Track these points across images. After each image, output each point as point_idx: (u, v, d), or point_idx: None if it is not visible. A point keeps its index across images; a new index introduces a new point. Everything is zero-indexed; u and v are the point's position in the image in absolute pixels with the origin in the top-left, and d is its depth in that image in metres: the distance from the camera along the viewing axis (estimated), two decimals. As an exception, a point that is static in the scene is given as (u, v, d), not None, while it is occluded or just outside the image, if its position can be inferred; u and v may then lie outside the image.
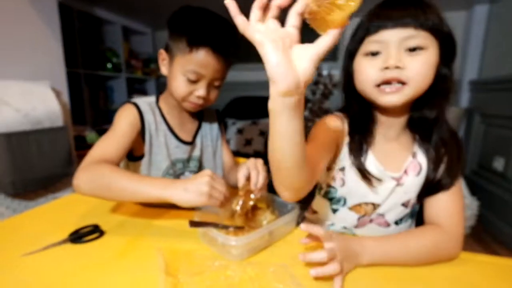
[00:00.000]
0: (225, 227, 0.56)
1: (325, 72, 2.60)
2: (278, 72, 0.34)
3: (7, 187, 1.22)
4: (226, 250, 0.51)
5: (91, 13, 2.37)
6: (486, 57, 2.19)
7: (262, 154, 2.36)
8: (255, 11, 0.35)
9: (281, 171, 0.44)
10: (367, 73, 0.53)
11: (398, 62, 0.49)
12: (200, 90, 0.68)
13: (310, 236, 0.51)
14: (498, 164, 1.87)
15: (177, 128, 0.78)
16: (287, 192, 0.47)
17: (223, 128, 0.90)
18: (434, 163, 0.57)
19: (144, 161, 0.73)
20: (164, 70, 0.73)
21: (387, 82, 0.52)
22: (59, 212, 0.71)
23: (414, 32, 0.49)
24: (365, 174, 0.59)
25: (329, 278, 0.45)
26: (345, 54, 0.60)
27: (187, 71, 0.66)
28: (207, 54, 0.65)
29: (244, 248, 0.51)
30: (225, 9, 0.37)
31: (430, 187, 0.57)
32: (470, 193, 1.80)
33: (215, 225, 0.54)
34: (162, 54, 0.72)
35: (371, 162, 0.60)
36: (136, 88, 3.13)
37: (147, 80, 3.20)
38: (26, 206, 1.23)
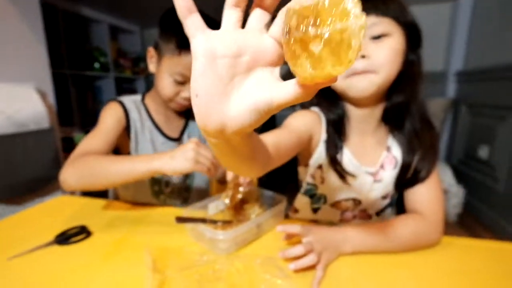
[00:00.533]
0: (213, 222, 0.56)
1: None
2: (196, 103, 0.21)
3: (-7, 191, 1.20)
4: (214, 244, 0.52)
5: (77, 12, 2.32)
6: (471, 48, 2.22)
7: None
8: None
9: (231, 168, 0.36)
10: None
11: (363, 51, 0.50)
12: (186, 92, 0.69)
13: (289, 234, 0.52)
14: (483, 152, 1.91)
15: (163, 125, 0.78)
16: (248, 175, 0.51)
17: None
18: (407, 153, 0.58)
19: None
20: (152, 67, 0.73)
21: (355, 73, 0.52)
22: (46, 215, 0.70)
23: (376, 19, 0.50)
24: (341, 173, 0.59)
25: (314, 268, 0.46)
26: None
27: (174, 73, 0.67)
28: None
29: (232, 241, 0.52)
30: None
31: (407, 178, 0.58)
32: (457, 182, 1.84)
33: (202, 220, 0.55)
34: (151, 52, 0.72)
35: (347, 158, 0.60)
36: (125, 88, 3.09)
37: (136, 79, 3.16)
38: (12, 211, 1.20)
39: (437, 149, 0.58)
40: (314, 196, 0.67)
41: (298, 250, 0.47)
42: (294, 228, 0.48)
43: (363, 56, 0.50)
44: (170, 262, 0.48)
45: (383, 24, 0.50)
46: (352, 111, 0.59)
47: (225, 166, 0.35)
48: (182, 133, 0.81)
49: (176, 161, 0.54)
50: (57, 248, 0.54)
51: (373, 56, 0.50)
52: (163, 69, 0.68)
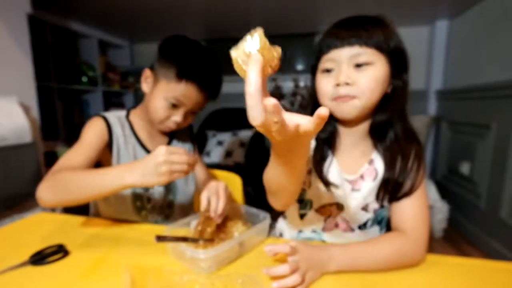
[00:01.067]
0: (195, 240, 0.56)
1: (302, 84, 2.68)
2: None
3: (-32, 208, 1.15)
4: (195, 263, 0.51)
5: (66, 26, 2.33)
6: (449, 68, 2.35)
7: (243, 165, 2.36)
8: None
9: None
10: (324, 88, 0.58)
11: (347, 79, 0.54)
12: (177, 117, 0.70)
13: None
14: (465, 168, 1.98)
15: (147, 141, 0.78)
16: (279, 206, 0.58)
17: (196, 144, 0.90)
18: (388, 167, 0.60)
19: None
20: (145, 88, 0.73)
21: (340, 97, 0.56)
22: (22, 233, 0.67)
23: (360, 50, 0.54)
24: (325, 182, 0.62)
25: None
26: (309, 70, 0.64)
27: (170, 97, 0.68)
28: (193, 88, 0.68)
29: (213, 260, 0.51)
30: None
31: (390, 191, 0.60)
32: (441, 197, 1.89)
33: (183, 239, 0.54)
34: (147, 73, 0.73)
35: (334, 167, 0.63)
36: (113, 102, 3.07)
37: (124, 93, 3.15)
38: (-12, 228, 1.15)
39: (421, 165, 0.59)
40: (302, 202, 0.69)
41: (283, 269, 0.46)
42: (282, 247, 0.48)
43: (347, 83, 0.54)
44: (149, 282, 0.47)
45: (366, 54, 0.53)
46: (340, 127, 0.64)
47: (275, 176, 0.47)
48: None
49: (149, 178, 0.52)
50: (31, 269, 0.52)
51: (356, 83, 0.54)
52: (158, 92, 0.69)
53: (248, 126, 2.81)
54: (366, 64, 0.54)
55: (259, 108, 0.29)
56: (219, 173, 1.01)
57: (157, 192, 0.78)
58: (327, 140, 0.63)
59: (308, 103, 0.67)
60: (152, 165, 0.52)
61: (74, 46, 2.63)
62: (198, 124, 2.81)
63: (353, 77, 0.54)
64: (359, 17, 0.57)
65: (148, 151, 0.76)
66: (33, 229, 0.69)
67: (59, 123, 2.33)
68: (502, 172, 1.58)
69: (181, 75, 0.66)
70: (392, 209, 0.61)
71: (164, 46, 0.71)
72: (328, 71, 0.57)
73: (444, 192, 2.03)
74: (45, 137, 1.75)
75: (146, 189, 0.77)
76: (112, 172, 0.55)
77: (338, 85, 0.55)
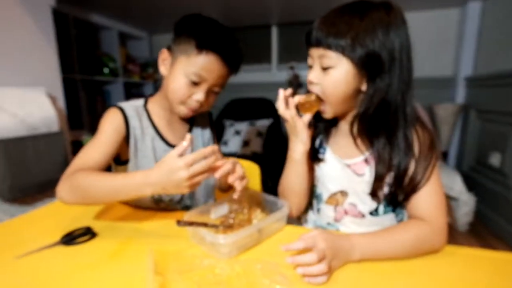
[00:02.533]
0: (215, 226, 0.57)
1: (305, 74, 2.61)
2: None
3: (5, 192, 1.23)
4: (215, 248, 0.52)
5: (87, 19, 2.39)
6: (480, 54, 2.19)
7: (260, 155, 2.37)
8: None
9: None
10: (308, 83, 0.61)
11: (314, 79, 0.58)
12: (199, 94, 0.68)
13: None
14: (495, 159, 1.87)
15: (166, 131, 0.76)
16: (295, 211, 0.70)
17: (215, 131, 0.89)
18: (379, 162, 0.58)
19: (130, 166, 0.73)
20: (163, 70, 0.72)
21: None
22: (52, 216, 0.71)
23: (324, 52, 0.55)
24: (315, 155, 0.68)
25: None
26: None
27: (190, 73, 0.66)
28: (215, 59, 0.66)
29: (232, 246, 0.52)
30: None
31: (400, 182, 0.57)
32: (467, 189, 1.80)
33: (204, 224, 0.55)
34: (164, 54, 0.71)
35: (328, 154, 0.67)
36: (133, 93, 3.15)
37: (144, 84, 3.22)
38: (23, 211, 1.23)
39: (433, 152, 0.57)
40: (317, 196, 0.71)
41: (310, 257, 0.45)
42: (297, 245, 0.47)
43: (313, 83, 0.59)
44: (171, 265, 0.49)
45: (329, 57, 0.55)
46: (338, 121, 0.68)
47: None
48: None
49: (171, 191, 0.52)
50: (63, 248, 0.55)
51: (322, 84, 0.58)
52: (177, 69, 0.67)
53: (265, 115, 2.81)
54: (329, 67, 0.56)
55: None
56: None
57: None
58: (322, 130, 0.68)
59: None
60: (174, 181, 0.51)
61: (95, 39, 2.70)
62: (216, 113, 2.84)
63: (319, 77, 0.58)
64: (341, 11, 0.56)
65: (166, 142, 0.75)
66: (61, 212, 0.73)
67: (83, 113, 2.43)
68: (537, 164, 1.47)
69: (201, 46, 0.64)
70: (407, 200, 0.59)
71: (181, 23, 0.69)
72: (310, 67, 0.61)
73: (471, 184, 1.93)
74: (71, 126, 1.84)
75: None
76: (131, 182, 0.54)
77: (310, 82, 0.59)
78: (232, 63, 0.69)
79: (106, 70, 2.58)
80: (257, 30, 2.96)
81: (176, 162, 0.51)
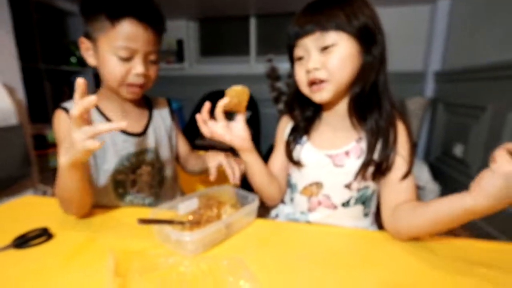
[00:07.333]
0: (181, 223, 0.55)
1: (284, 66, 2.62)
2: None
3: (-44, 192, 1.13)
4: (181, 246, 0.51)
5: (51, 4, 2.22)
6: (449, 49, 2.30)
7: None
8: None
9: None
10: (299, 75, 0.61)
11: (315, 64, 0.56)
12: (138, 67, 0.64)
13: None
14: (458, 150, 1.98)
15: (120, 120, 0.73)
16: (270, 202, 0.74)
17: (175, 116, 0.86)
18: (368, 145, 0.60)
19: (91, 163, 0.70)
20: (91, 60, 0.67)
21: (314, 82, 0.59)
22: (7, 216, 0.66)
23: (320, 35, 0.55)
24: (293, 161, 0.68)
25: (284, 270, 0.46)
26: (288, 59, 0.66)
27: (116, 49, 0.61)
28: (132, 24, 0.61)
29: (199, 242, 0.50)
30: None
31: (376, 168, 0.60)
32: (433, 179, 1.91)
33: (169, 221, 0.53)
34: (84, 43, 0.66)
35: (307, 148, 0.67)
36: (105, 84, 2.99)
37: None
38: (-23, 211, 1.14)
39: (412, 139, 0.61)
40: (291, 186, 0.73)
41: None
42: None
43: (315, 68, 0.57)
44: (133, 265, 0.46)
45: (328, 37, 0.55)
46: (324, 108, 0.68)
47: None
48: (146, 126, 0.77)
49: (74, 151, 0.51)
50: (14, 252, 0.51)
51: (324, 66, 0.56)
52: (103, 52, 0.63)
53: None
54: (331, 45, 0.55)
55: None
56: (201, 153, 1.00)
57: (145, 172, 0.76)
58: (303, 124, 0.68)
59: (290, 91, 0.70)
60: (71, 138, 0.50)
61: (61, 26, 2.52)
62: (192, 107, 2.77)
63: (321, 60, 0.56)
64: (321, 0, 0.58)
65: (124, 131, 0.72)
66: (18, 212, 0.68)
67: (48, 105, 2.28)
68: (495, 154, 1.58)
69: (112, 16, 0.60)
70: (389, 188, 0.61)
71: (84, 4, 0.65)
72: (300, 59, 0.60)
73: (437, 173, 2.04)
74: (34, 119, 1.71)
75: (133, 168, 0.75)
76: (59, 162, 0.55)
77: (308, 71, 0.57)
78: (152, 22, 0.64)
79: (73, 60, 2.43)
80: (235, 22, 2.90)
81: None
